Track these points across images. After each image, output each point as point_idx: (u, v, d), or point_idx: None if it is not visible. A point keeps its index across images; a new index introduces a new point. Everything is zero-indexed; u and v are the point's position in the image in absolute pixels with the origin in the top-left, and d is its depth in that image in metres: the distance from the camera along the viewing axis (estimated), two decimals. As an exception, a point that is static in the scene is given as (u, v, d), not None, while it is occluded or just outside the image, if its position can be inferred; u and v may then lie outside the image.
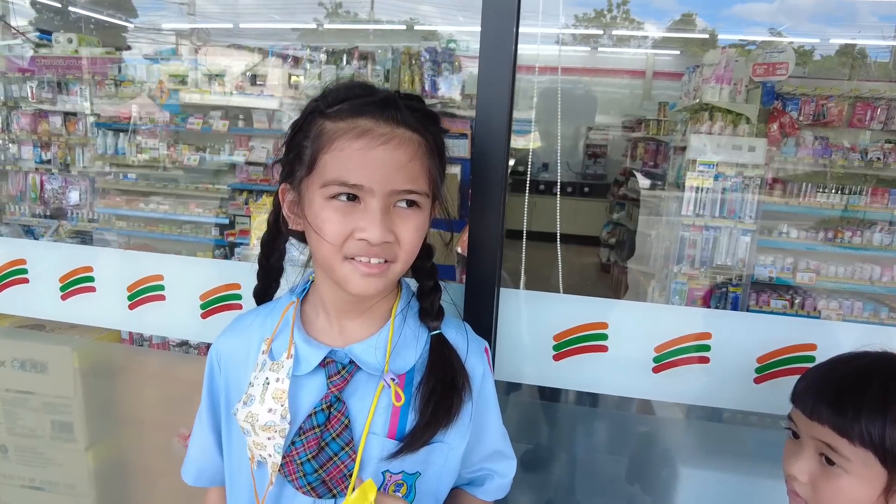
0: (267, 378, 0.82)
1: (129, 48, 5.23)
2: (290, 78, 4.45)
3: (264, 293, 0.96)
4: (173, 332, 1.32)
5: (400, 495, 0.83)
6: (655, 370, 1.11)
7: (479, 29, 1.03)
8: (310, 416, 0.81)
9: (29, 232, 4.89)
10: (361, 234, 0.74)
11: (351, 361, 0.82)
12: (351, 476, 0.79)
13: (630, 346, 1.11)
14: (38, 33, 5.28)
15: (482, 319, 1.09)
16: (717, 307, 3.43)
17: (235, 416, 0.83)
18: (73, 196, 4.72)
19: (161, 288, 1.30)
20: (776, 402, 1.07)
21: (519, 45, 1.03)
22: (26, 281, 1.38)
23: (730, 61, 3.19)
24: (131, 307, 1.32)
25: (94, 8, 5.43)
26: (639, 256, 4.94)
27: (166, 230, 4.34)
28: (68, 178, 4.78)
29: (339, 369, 0.81)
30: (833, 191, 3.27)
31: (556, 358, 1.13)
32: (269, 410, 0.80)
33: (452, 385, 0.82)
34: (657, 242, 4.46)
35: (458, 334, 0.88)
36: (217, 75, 4.46)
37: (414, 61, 3.48)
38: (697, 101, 3.41)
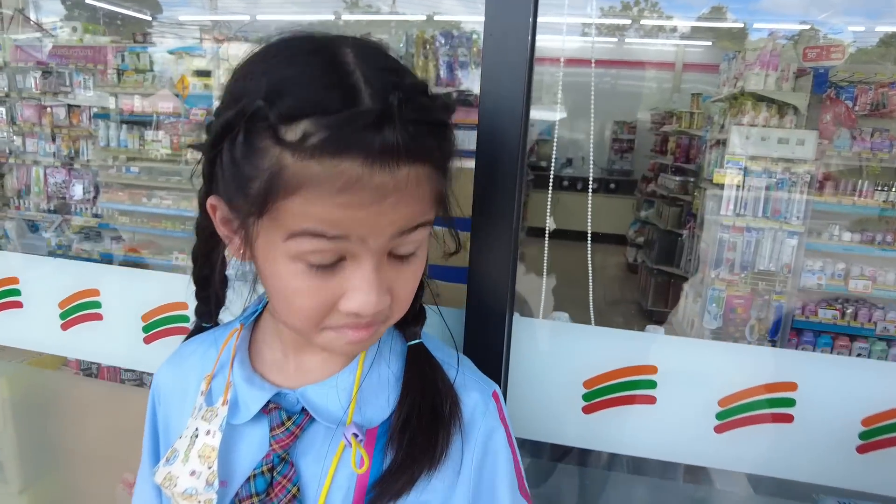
0: (196, 429, 0.63)
1: (153, 44, 5.11)
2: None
3: (209, 313, 0.74)
4: (110, 358, 1.08)
5: None
6: (718, 429, 0.84)
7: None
8: (247, 480, 0.61)
9: (34, 227, 4.77)
10: (349, 306, 0.53)
11: (303, 409, 0.61)
12: None
13: (685, 396, 0.84)
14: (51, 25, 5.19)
15: (489, 354, 0.83)
16: (757, 317, 3.13)
17: (154, 477, 0.64)
18: (77, 190, 4.56)
19: (98, 305, 1.06)
20: (887, 478, 0.79)
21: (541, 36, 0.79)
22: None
23: (776, 45, 2.86)
24: (63, 327, 1.09)
25: (118, 2, 5.29)
26: (668, 258, 4.65)
27: (170, 226, 4.16)
28: (72, 171, 4.64)
29: (285, 419, 0.61)
30: (893, 189, 2.93)
31: (587, 410, 0.86)
32: (192, 473, 0.62)
33: (434, 411, 0.61)
34: (689, 243, 4.15)
35: (447, 357, 0.66)
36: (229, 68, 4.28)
37: (428, 46, 3.21)
38: (738, 89, 3.09)
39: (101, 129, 4.38)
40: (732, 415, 0.83)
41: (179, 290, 1.03)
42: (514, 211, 0.79)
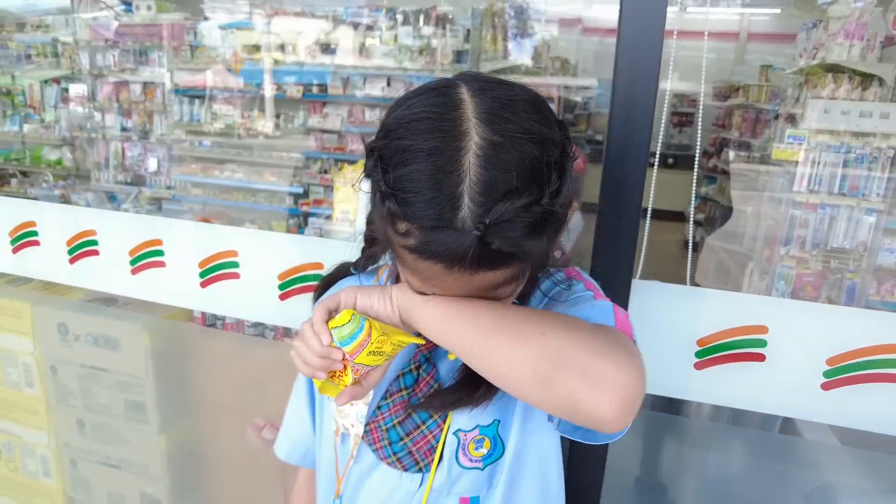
0: None
1: (206, 18, 5.24)
2: (363, 43, 4.30)
3: (364, 264, 0.83)
4: (248, 313, 1.19)
5: (483, 451, 0.73)
6: (825, 387, 0.89)
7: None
8: (398, 377, 0.75)
9: (112, 198, 5.04)
10: None
11: None
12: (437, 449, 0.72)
13: (795, 355, 0.89)
14: (121, 4, 5.38)
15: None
16: (828, 296, 3.08)
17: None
18: (152, 163, 4.80)
19: (236, 265, 1.17)
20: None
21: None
22: (97, 253, 1.29)
23: (864, 13, 2.76)
24: (203, 285, 1.21)
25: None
26: (729, 233, 4.56)
27: (240, 198, 4.34)
28: (147, 145, 4.86)
29: None
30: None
31: (699, 366, 0.92)
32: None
33: None
34: (755, 220, 4.07)
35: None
36: (287, 44, 4.36)
37: (497, 20, 3.22)
38: (818, 60, 3.00)
39: (174, 104, 4.57)
40: (841, 373, 0.88)
41: (312, 251, 1.13)
42: (640, 192, 0.86)
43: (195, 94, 4.58)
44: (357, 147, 3.90)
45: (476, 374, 0.63)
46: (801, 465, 1.12)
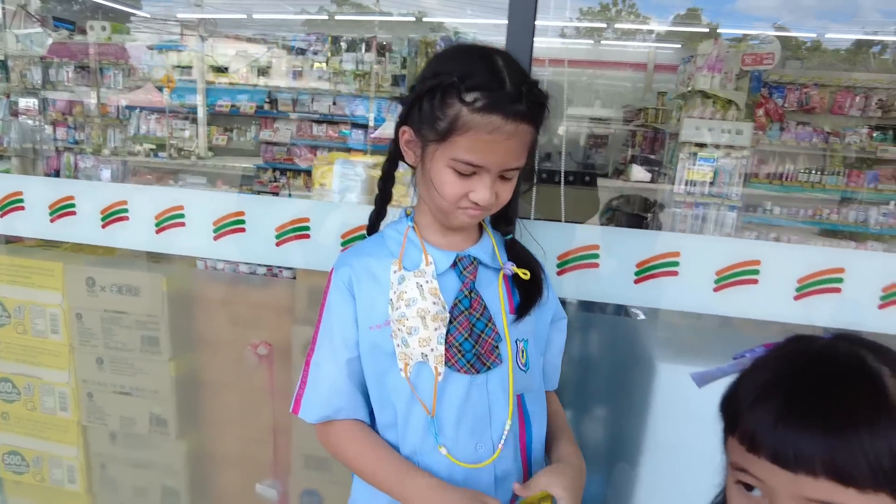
0: (417, 283, 0.96)
1: (134, 40, 5.48)
2: (308, 66, 4.73)
3: (377, 219, 1.10)
4: (252, 258, 1.62)
5: (523, 360, 1.02)
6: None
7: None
8: (455, 304, 0.97)
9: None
10: (474, 197, 0.92)
11: (473, 260, 1.00)
12: (497, 348, 0.97)
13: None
14: (58, 23, 5.57)
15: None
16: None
17: (396, 323, 0.95)
18: (106, 174, 5.03)
19: (243, 222, 1.61)
20: (733, 306, 1.38)
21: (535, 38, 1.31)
22: (127, 218, 1.69)
23: (721, 52, 3.48)
24: (215, 238, 1.63)
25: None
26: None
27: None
28: (99, 158, 5.09)
29: (468, 264, 1.00)
30: (815, 172, 3.57)
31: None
32: (434, 303, 0.96)
33: (535, 273, 1.04)
34: (653, 223, 4.75)
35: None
36: (222, 68, 4.71)
37: (430, 50, 3.77)
38: (690, 88, 3.71)
39: (133, 118, 4.85)
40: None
41: (304, 209, 1.58)
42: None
43: (153, 110, 4.87)
44: (306, 157, 4.34)
45: (525, 290, 1.02)
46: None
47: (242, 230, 1.61)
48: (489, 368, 0.97)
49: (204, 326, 1.78)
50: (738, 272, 1.39)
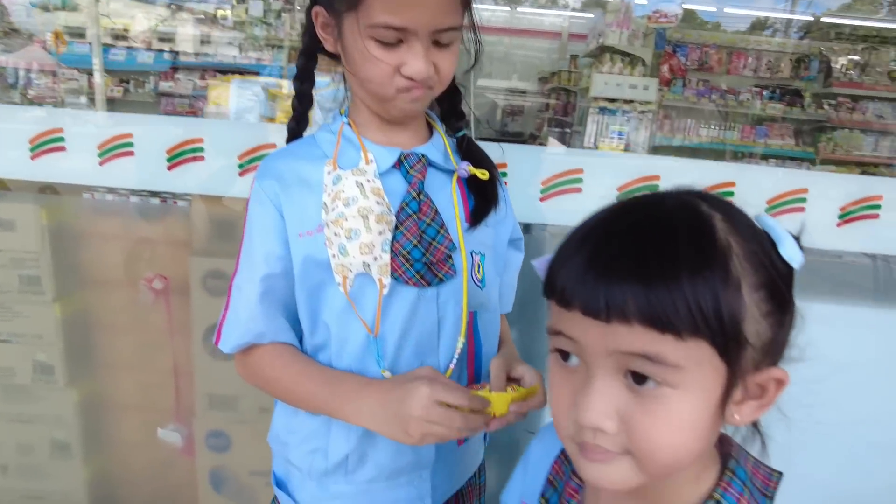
0: (357, 181, 0.83)
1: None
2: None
3: (299, 125, 0.94)
4: (142, 183, 1.51)
5: (479, 276, 0.91)
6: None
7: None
8: (402, 207, 0.85)
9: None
10: (407, 71, 0.78)
11: (421, 158, 0.88)
12: (450, 258, 0.86)
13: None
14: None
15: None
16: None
17: (332, 226, 0.82)
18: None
19: (130, 145, 1.48)
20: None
21: None
22: (-5, 143, 1.52)
23: (629, 8, 3.58)
24: (101, 163, 1.50)
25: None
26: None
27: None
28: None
29: (414, 162, 0.87)
30: (712, 126, 3.78)
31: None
32: (378, 203, 0.83)
33: (493, 175, 0.93)
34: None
35: None
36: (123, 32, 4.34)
37: None
38: (601, 43, 3.80)
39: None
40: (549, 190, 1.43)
41: (196, 129, 1.48)
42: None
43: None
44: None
45: (482, 195, 0.90)
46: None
47: (131, 153, 1.49)
48: (441, 281, 0.85)
49: (92, 262, 1.65)
50: (639, 186, 1.45)
